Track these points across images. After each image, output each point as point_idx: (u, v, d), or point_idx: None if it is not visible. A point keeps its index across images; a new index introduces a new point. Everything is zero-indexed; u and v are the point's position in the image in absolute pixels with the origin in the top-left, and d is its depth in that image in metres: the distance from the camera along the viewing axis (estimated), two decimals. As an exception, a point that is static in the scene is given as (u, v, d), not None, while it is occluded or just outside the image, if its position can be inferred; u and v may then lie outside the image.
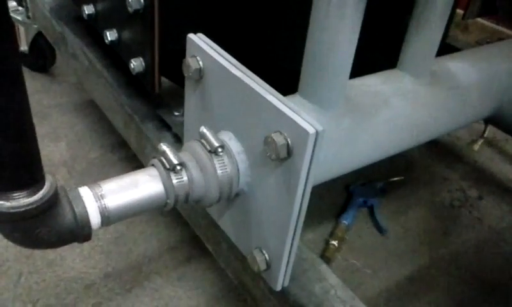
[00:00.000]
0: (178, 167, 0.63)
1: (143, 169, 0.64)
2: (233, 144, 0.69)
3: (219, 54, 0.70)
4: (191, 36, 0.74)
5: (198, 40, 0.73)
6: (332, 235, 1.29)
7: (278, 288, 0.71)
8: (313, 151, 0.58)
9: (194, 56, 0.72)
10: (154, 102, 1.10)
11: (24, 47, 1.78)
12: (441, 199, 1.48)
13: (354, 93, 0.83)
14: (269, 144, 0.60)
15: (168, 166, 0.63)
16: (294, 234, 0.66)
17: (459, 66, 0.98)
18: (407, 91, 0.87)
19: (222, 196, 0.68)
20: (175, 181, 0.63)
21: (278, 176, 0.63)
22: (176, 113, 1.03)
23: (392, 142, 0.85)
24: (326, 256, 1.23)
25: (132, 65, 1.02)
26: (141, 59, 1.02)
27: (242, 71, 0.66)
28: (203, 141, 0.67)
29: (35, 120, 0.50)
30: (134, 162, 1.35)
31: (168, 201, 0.64)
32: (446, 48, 1.25)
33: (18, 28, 1.75)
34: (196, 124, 0.76)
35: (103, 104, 1.27)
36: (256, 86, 0.64)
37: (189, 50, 0.74)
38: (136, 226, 1.26)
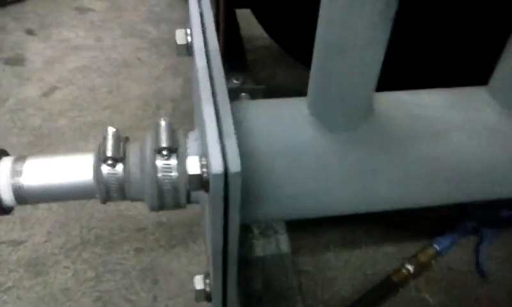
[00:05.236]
0: (110, 161, 0.55)
1: (82, 153, 0.58)
2: (195, 147, 0.57)
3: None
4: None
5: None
6: (412, 258, 1.07)
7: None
8: (225, 192, 0.44)
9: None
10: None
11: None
12: None
13: (396, 114, 0.60)
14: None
15: (102, 157, 0.56)
16: (226, 271, 0.53)
17: None
18: (485, 125, 0.60)
19: (165, 202, 0.58)
20: (105, 173, 0.56)
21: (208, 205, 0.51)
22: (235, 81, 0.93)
23: (429, 190, 0.60)
24: (391, 279, 1.03)
25: None
26: None
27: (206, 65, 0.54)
28: (155, 134, 0.57)
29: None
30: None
31: (97, 195, 0.57)
32: None
33: None
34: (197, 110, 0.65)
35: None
36: (204, 89, 0.50)
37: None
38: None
